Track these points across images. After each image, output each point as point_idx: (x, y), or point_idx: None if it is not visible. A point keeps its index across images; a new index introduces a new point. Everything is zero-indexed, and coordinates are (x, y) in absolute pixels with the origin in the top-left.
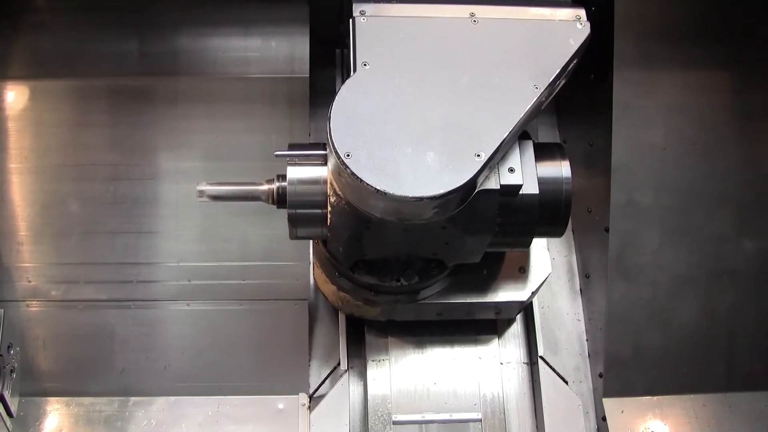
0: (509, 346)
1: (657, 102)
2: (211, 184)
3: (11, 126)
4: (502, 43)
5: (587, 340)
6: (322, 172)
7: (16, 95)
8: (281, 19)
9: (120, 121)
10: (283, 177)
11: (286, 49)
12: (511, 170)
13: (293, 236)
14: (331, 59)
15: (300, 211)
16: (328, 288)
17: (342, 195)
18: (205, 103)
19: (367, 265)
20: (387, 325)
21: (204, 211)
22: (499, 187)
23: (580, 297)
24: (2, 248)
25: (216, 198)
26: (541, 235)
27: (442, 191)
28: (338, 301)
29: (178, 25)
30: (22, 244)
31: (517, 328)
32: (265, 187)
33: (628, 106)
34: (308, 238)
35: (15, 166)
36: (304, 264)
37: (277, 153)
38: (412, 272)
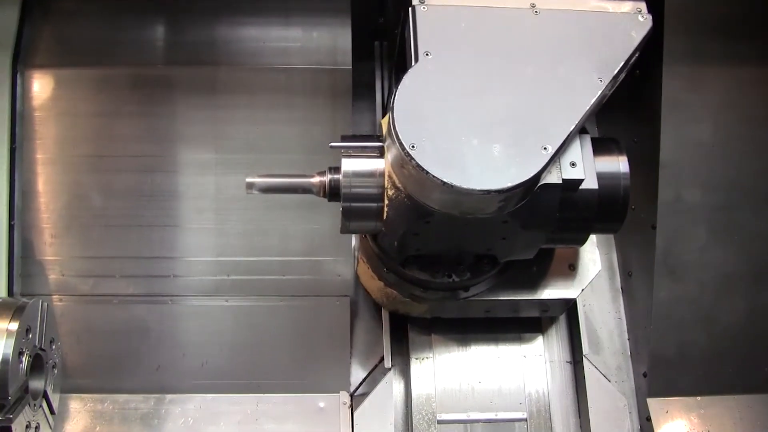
0: (553, 345)
1: (706, 98)
2: (261, 176)
3: (38, 116)
4: (565, 34)
5: (629, 339)
6: (378, 164)
7: (43, 84)
8: (322, 9)
9: (150, 111)
10: (335, 169)
11: (328, 40)
12: (573, 164)
13: (345, 230)
14: (370, 52)
15: (355, 204)
16: (374, 284)
17: (402, 188)
18: (245, 94)
19: (419, 260)
20: (430, 322)
21: (243, 204)
22: (561, 182)
23: (621, 295)
24: (34, 241)
25: (266, 191)
26: (597, 231)
27: (509, 184)
28: (383, 298)
29: (215, 13)
30: (55, 236)
31: (560, 326)
32: (317, 179)
33: (677, 102)
34: (360, 232)
35: (42, 156)
36: (346, 259)
37: (333, 144)
38: (464, 268)
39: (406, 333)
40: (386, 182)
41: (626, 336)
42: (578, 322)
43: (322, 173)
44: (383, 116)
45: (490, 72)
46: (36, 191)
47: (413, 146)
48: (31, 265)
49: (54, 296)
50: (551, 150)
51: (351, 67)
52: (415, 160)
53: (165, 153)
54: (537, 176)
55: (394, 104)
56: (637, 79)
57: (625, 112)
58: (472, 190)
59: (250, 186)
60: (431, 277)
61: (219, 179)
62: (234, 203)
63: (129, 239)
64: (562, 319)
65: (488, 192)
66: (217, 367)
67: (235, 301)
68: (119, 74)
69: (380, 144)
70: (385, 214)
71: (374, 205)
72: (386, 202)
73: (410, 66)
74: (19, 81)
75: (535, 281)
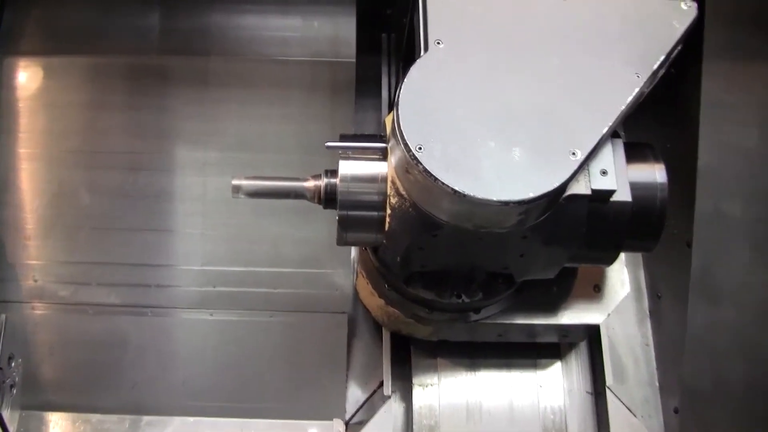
0: (572, 373)
1: (751, 98)
2: (249, 178)
3: (22, 106)
4: (597, 23)
5: (657, 368)
6: (381, 167)
7: (28, 73)
8: None
9: (141, 104)
10: (333, 173)
11: (330, 30)
12: (604, 173)
13: (342, 242)
14: (376, 45)
15: (353, 213)
16: (374, 301)
17: (407, 196)
18: (238, 87)
19: (424, 277)
20: (436, 344)
21: (232, 208)
22: (590, 192)
23: (648, 319)
24: (7, 243)
25: (253, 195)
26: (629, 249)
27: (531, 195)
28: (384, 317)
29: None
30: (30, 238)
31: (581, 352)
32: (311, 183)
33: (718, 103)
34: (359, 244)
35: (25, 151)
36: (345, 272)
37: (329, 144)
38: (476, 287)
39: (408, 356)
40: (389, 188)
41: (654, 365)
42: (601, 348)
43: (317, 176)
44: (389, 114)
45: (510, 64)
46: (13, 188)
47: (420, 148)
48: (1, 269)
49: (26, 304)
50: (581, 156)
51: (355, 59)
52: (421, 164)
53: (152, 149)
54: (563, 186)
55: (399, 99)
56: (671, 76)
57: (656, 114)
58: (488, 200)
59: (236, 189)
60: (438, 297)
61: (207, 180)
62: (223, 207)
63: (108, 243)
64: (583, 345)
65: (507, 203)
66: (199, 386)
67: (220, 315)
68: (107, 63)
69: (383, 145)
70: (387, 225)
71: (375, 214)
72: (388, 211)
73: (419, 56)
74: None
75: (555, 303)
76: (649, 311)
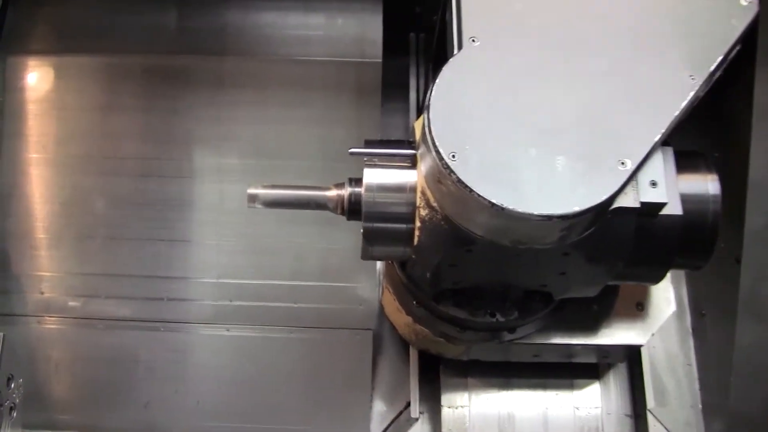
0: (611, 394)
1: None
2: (266, 187)
3: (31, 109)
4: (649, 21)
5: (700, 389)
6: (409, 176)
7: (37, 73)
8: None
9: (155, 106)
10: (357, 181)
11: (355, 29)
12: (654, 184)
13: (367, 256)
14: (403, 45)
15: (379, 225)
16: (401, 318)
17: (438, 208)
18: (256, 89)
19: (455, 295)
20: (467, 364)
21: (250, 218)
22: (638, 205)
23: (691, 338)
24: (12, 252)
25: (271, 205)
26: (678, 266)
27: (576, 209)
28: (411, 335)
29: None
30: (36, 248)
31: (619, 371)
32: (334, 193)
33: None
34: (385, 258)
35: (34, 156)
36: (370, 285)
37: (353, 150)
38: (511, 306)
39: (437, 375)
40: (419, 199)
41: (697, 386)
42: (641, 368)
43: (340, 185)
44: (417, 118)
45: (552, 64)
46: (20, 194)
47: (453, 156)
48: (7, 280)
49: (31, 317)
50: (630, 165)
51: (381, 60)
52: (455, 174)
53: (166, 155)
54: (611, 199)
55: (431, 101)
56: (720, 79)
57: (703, 121)
58: (529, 214)
59: (252, 198)
60: (470, 316)
61: (224, 187)
62: (240, 216)
63: (120, 254)
64: (622, 364)
65: (549, 218)
66: (214, 406)
67: (237, 331)
68: (119, 63)
69: (412, 152)
70: (416, 239)
71: (403, 227)
72: (418, 224)
73: (451, 55)
74: None
75: (596, 322)
76: (692, 329)
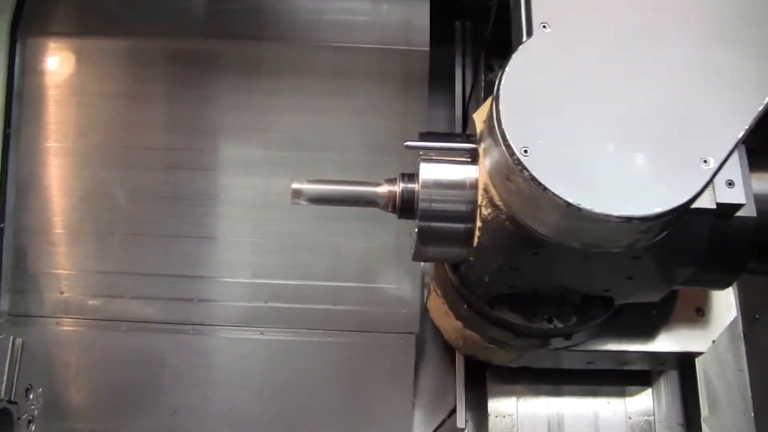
0: (663, 402)
1: None
2: (312, 182)
3: (51, 95)
4: (731, 9)
5: (752, 396)
6: (470, 172)
7: (57, 57)
8: None
9: (184, 94)
10: (410, 177)
11: (401, 15)
12: (730, 184)
13: (419, 257)
14: (449, 34)
15: (436, 224)
16: (449, 323)
17: (503, 207)
18: (294, 76)
19: (511, 299)
20: (515, 370)
21: (287, 214)
22: (715, 206)
23: (743, 343)
24: (29, 249)
25: (317, 201)
26: (750, 271)
27: (658, 210)
28: (459, 340)
29: None
30: (55, 244)
31: (671, 378)
32: (386, 189)
33: None
34: (440, 260)
35: (53, 145)
36: (413, 287)
37: (409, 143)
38: (569, 311)
39: (483, 383)
40: (480, 197)
41: (749, 392)
42: (694, 375)
43: (391, 181)
44: (464, 112)
45: (630, 53)
46: (35, 187)
47: (525, 151)
48: (23, 279)
49: (50, 318)
50: (714, 164)
51: (428, 48)
52: (528, 171)
53: (195, 146)
54: (693, 199)
55: (501, 91)
56: None
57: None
58: (607, 215)
59: (297, 194)
60: (526, 322)
61: (259, 181)
62: (275, 212)
63: (144, 251)
64: (674, 370)
65: (629, 219)
66: (247, 414)
67: (272, 334)
68: (145, 47)
69: (473, 146)
70: (475, 240)
71: (461, 226)
72: (479, 223)
73: (519, 42)
74: (19, 52)
75: (654, 329)
76: (744, 334)
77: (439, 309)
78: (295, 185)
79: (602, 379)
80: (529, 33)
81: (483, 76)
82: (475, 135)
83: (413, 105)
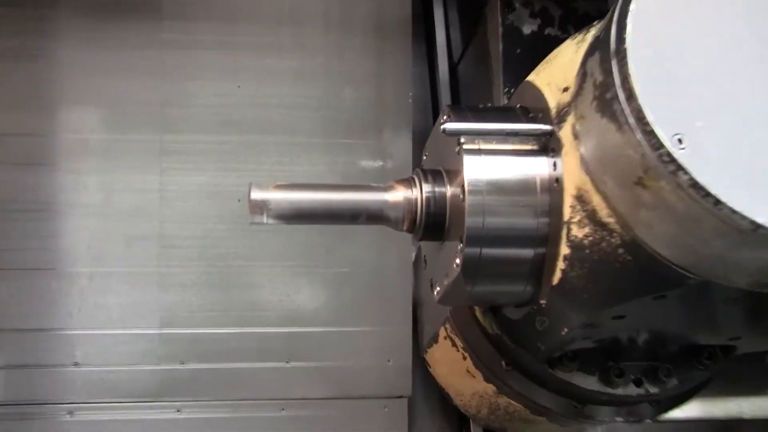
0: None
1: None
2: (282, 188)
3: None
4: None
5: None
6: (545, 168)
7: None
8: None
9: (42, 49)
10: (436, 176)
11: None
12: None
13: (455, 298)
14: None
15: (491, 252)
16: (470, 385)
17: (618, 226)
18: (216, 21)
19: (582, 355)
20: None
21: (210, 227)
22: None
23: None
24: None
25: (292, 218)
26: None
27: None
28: (484, 409)
29: None
30: None
31: None
32: (399, 195)
33: None
34: (487, 303)
35: None
36: (402, 331)
37: (449, 127)
38: (666, 369)
39: None
40: (569, 210)
41: None
42: None
43: (407, 183)
44: (451, 70)
45: None
46: None
47: (680, 140)
48: None
49: None
50: None
51: None
52: (687, 172)
53: (54, 127)
54: None
55: (629, 45)
56: None
57: None
58: None
59: (258, 208)
60: (605, 386)
61: (164, 180)
62: (191, 227)
63: None
64: None
65: None
66: None
67: (194, 411)
68: None
69: (548, 127)
70: (557, 275)
71: (530, 253)
72: (565, 250)
73: None
74: None
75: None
76: None
77: (452, 364)
78: (256, 194)
79: None
80: None
81: (500, 18)
82: (545, 110)
83: (391, 62)
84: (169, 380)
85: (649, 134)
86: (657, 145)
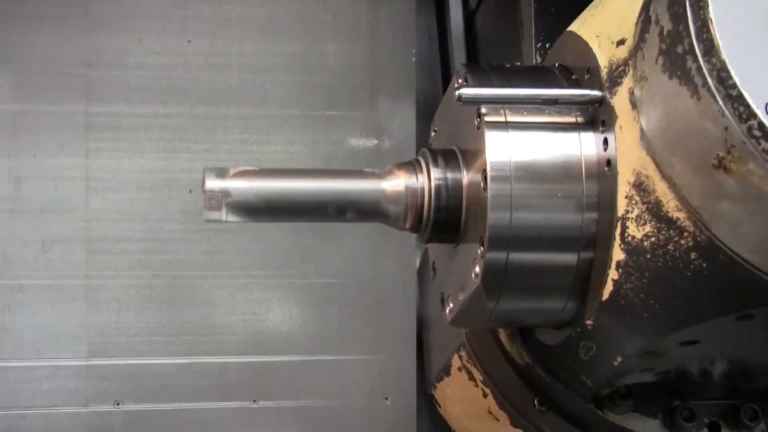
0: None
1: None
2: (249, 174)
3: None
4: None
5: None
6: (592, 147)
7: None
8: None
9: None
10: (449, 157)
11: None
12: None
13: (473, 319)
14: None
15: (520, 256)
16: (490, 428)
17: (691, 223)
18: None
19: (638, 392)
20: None
21: (155, 225)
22: None
23: None
24: None
25: (261, 213)
26: None
27: None
28: None
29: None
30: None
31: None
32: (401, 183)
33: None
34: (516, 325)
35: None
36: (404, 360)
37: (465, 92)
38: (750, 409)
39: None
40: (623, 200)
41: None
42: None
43: (410, 167)
44: (464, 16)
45: None
46: None
47: None
48: None
49: None
50: None
51: None
52: None
53: None
54: None
55: None
56: None
57: None
58: None
59: (215, 201)
60: (670, 429)
61: (91, 165)
62: (128, 223)
63: None
64: None
65: None
66: None
67: None
68: None
69: (599, 93)
70: (607, 289)
71: (572, 258)
72: (618, 255)
73: None
74: None
75: None
76: None
77: (469, 403)
78: (212, 183)
79: None
80: None
81: None
82: (590, 71)
83: (390, 10)
84: (100, 427)
85: (735, 100)
86: (745, 115)
